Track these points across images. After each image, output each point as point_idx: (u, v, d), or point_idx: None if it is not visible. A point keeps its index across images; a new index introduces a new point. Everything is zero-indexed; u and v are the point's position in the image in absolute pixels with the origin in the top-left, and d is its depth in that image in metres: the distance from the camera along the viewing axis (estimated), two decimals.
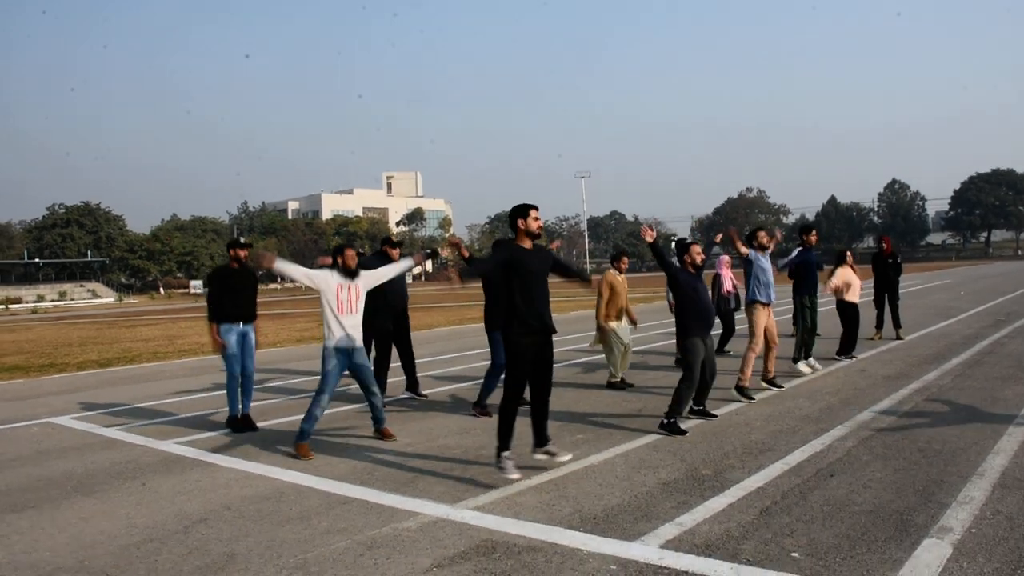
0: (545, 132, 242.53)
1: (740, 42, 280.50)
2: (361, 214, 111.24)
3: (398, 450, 6.95)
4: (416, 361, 9.95)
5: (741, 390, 8.67)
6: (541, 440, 6.16)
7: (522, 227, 6.06)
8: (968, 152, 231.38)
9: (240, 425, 8.12)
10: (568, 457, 6.16)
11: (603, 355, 10.59)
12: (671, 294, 10.29)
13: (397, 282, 9.41)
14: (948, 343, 12.78)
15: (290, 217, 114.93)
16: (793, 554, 4.14)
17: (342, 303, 7.03)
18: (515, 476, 5.79)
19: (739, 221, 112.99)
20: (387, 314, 9.38)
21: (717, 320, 9.92)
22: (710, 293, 12.78)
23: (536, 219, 6.07)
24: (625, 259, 10.29)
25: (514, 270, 5.91)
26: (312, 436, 7.01)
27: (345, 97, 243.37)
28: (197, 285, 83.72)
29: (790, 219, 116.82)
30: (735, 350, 12.20)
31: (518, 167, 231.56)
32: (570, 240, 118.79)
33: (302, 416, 7.11)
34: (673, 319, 7.91)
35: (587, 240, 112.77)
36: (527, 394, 6.10)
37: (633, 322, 10.19)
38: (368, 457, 6.75)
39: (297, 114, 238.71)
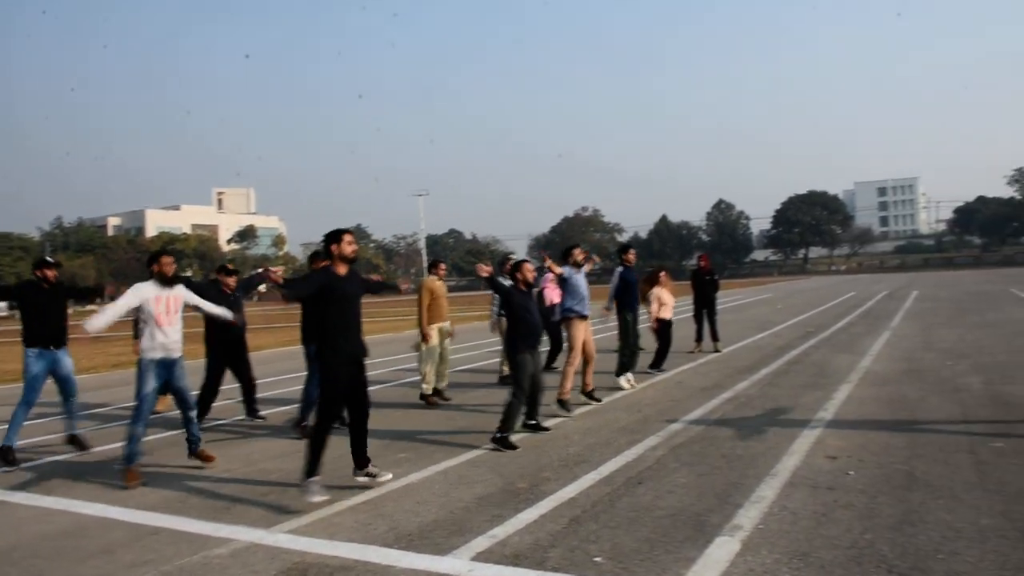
0: (383, 149, 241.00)
1: (576, 61, 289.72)
2: (189, 231, 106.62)
3: (214, 476, 6.81)
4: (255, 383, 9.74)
5: (562, 403, 9.01)
6: (361, 462, 6.23)
7: (336, 252, 6.13)
8: (787, 174, 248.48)
9: (11, 459, 7.67)
10: (389, 476, 6.23)
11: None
12: (497, 309, 10.60)
13: (233, 309, 9.24)
14: (761, 355, 13.72)
15: (110, 234, 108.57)
16: (596, 559, 4.39)
17: (160, 314, 6.83)
18: (318, 499, 5.80)
19: (575, 239, 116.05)
20: (225, 335, 9.16)
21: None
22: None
23: (350, 243, 6.15)
24: (442, 266, 10.60)
25: (329, 296, 5.98)
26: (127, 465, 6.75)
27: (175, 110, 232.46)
28: (2, 307, 77.33)
29: (624, 237, 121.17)
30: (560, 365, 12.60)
31: (355, 184, 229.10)
32: (407, 258, 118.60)
33: (116, 444, 6.84)
34: (495, 337, 8.14)
35: (425, 258, 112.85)
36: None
37: (450, 334, 10.40)
38: (181, 485, 6.58)
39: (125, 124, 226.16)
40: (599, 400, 9.54)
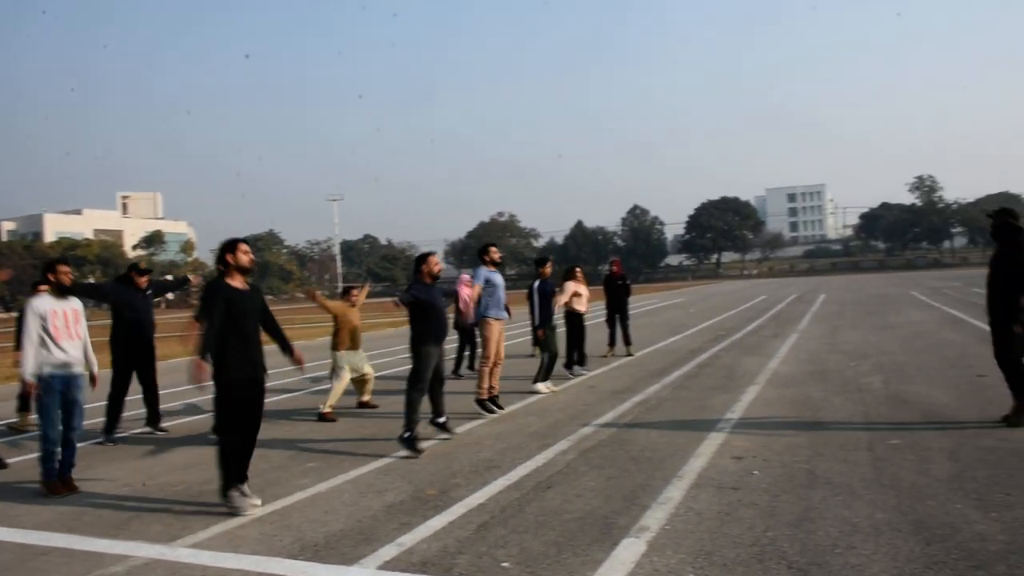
0: (301, 155, 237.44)
1: (492, 66, 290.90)
2: (92, 237, 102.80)
3: (112, 491, 6.60)
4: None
5: (481, 403, 9.06)
6: (240, 478, 6.07)
7: (231, 262, 5.98)
8: (701, 180, 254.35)
9: None
10: (258, 502, 5.93)
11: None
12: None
13: (143, 309, 9.04)
14: (673, 358, 14.00)
15: (4, 239, 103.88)
16: (504, 564, 4.42)
17: (57, 329, 6.59)
18: (249, 511, 5.71)
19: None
20: (132, 343, 8.89)
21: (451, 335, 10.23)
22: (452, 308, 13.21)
23: (246, 253, 6.02)
24: (355, 293, 10.48)
25: (226, 312, 5.83)
26: (16, 484, 6.50)
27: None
28: None
29: (540, 242, 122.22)
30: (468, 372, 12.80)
31: (270, 188, 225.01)
32: (322, 264, 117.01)
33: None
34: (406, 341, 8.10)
35: (339, 264, 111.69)
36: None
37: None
38: (77, 500, 6.37)
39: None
40: (501, 408, 9.50)
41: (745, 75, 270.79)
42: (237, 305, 5.87)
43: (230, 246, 6.01)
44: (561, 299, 12.22)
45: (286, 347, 6.35)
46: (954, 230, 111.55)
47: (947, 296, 29.46)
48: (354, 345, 10.03)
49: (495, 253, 9.70)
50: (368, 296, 11.48)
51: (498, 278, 9.59)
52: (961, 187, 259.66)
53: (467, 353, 13.46)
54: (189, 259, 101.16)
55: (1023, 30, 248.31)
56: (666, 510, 5.24)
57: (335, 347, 10.00)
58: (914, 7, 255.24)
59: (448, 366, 9.98)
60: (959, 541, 4.42)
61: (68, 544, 5.25)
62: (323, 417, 9.60)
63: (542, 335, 10.73)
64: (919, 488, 5.46)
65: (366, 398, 10.28)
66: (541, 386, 10.80)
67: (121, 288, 9.13)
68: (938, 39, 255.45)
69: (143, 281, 9.08)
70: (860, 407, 8.52)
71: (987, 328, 7.77)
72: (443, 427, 8.05)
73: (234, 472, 5.85)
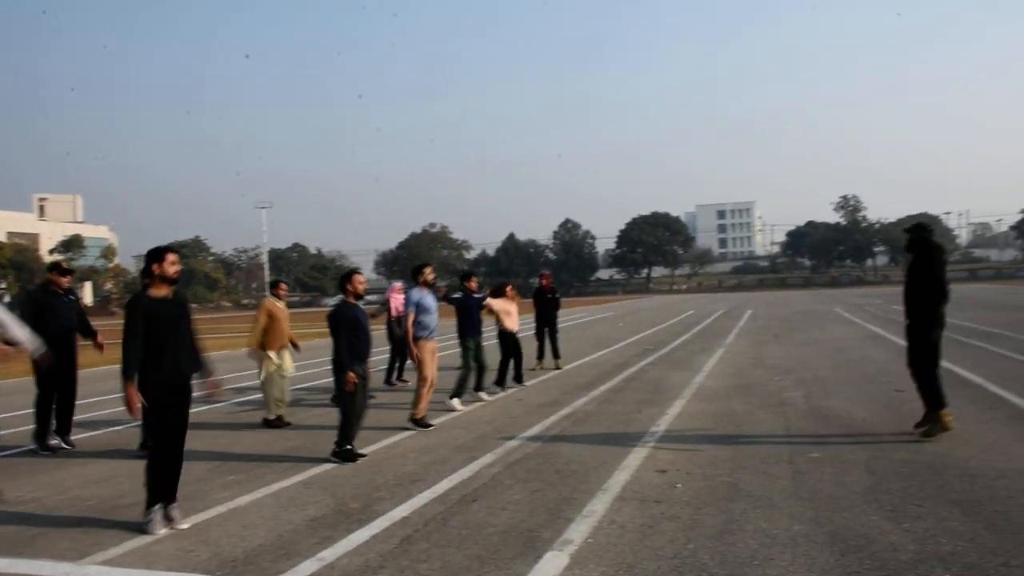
0: (229, 161, 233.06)
1: (417, 75, 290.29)
2: (4, 240, 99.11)
3: (17, 509, 6.37)
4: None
5: (416, 421, 9.10)
6: (171, 496, 5.93)
7: (157, 272, 5.85)
8: (633, 196, 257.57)
9: None
10: (186, 526, 5.78)
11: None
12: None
13: (65, 315, 8.77)
14: (601, 371, 14.14)
15: None
16: None
17: None
18: (161, 532, 5.57)
19: (422, 256, 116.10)
20: (55, 348, 8.57)
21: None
22: (383, 317, 13.18)
23: (173, 264, 5.89)
24: (283, 286, 10.41)
25: (147, 325, 5.70)
26: None
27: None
28: None
29: (472, 255, 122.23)
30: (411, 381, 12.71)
31: (196, 195, 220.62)
32: (249, 273, 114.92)
33: None
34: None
35: (267, 272, 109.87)
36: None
37: (296, 346, 10.29)
38: None
39: None
40: (431, 426, 9.42)
41: (678, 92, 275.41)
42: (159, 317, 5.74)
43: (157, 255, 5.87)
44: (491, 305, 12.23)
45: (201, 367, 6.15)
46: (877, 249, 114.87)
47: (869, 313, 30.35)
48: (281, 343, 9.95)
49: (429, 274, 9.68)
50: (294, 306, 11.38)
51: (430, 300, 9.59)
52: (884, 208, 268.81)
53: (398, 364, 13.44)
54: (110, 265, 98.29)
55: (948, 62, 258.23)
56: (589, 523, 5.30)
57: (262, 346, 9.85)
58: (843, 32, 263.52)
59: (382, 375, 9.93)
60: (872, 551, 4.57)
61: None
62: (269, 423, 9.63)
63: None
64: (836, 500, 5.62)
65: (274, 416, 10.03)
66: (456, 402, 10.70)
67: (40, 297, 8.80)
68: (864, 66, 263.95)
69: (65, 281, 8.82)
70: (782, 421, 8.73)
71: (904, 344, 8.05)
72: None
73: (159, 489, 5.70)
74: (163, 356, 5.72)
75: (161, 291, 5.84)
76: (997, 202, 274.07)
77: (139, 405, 5.59)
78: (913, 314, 7.75)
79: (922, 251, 7.71)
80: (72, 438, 8.97)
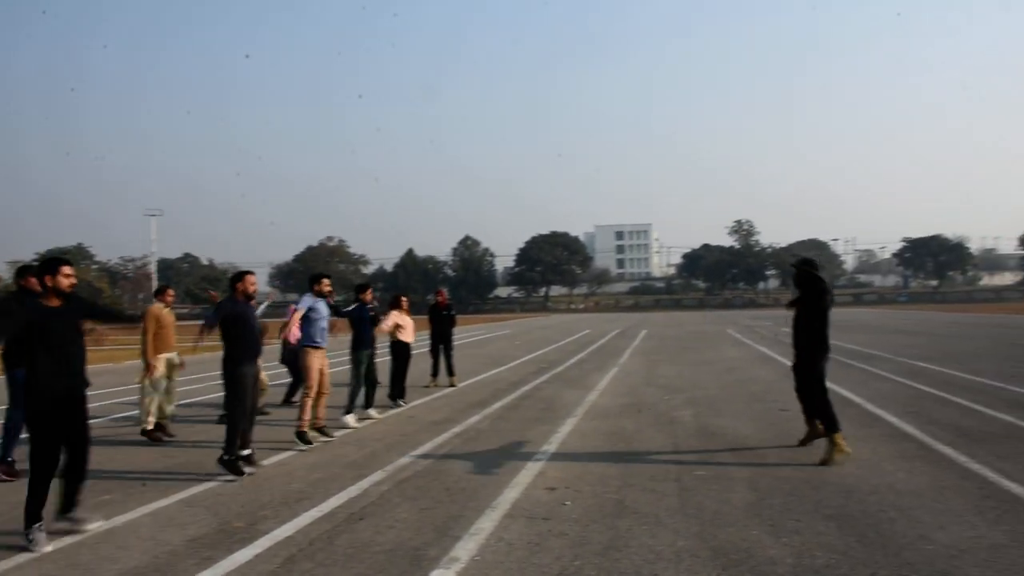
0: (111, 167, 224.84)
1: (307, 92, 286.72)
2: None
3: None
4: None
5: (301, 435, 8.89)
6: (69, 505, 5.77)
7: (50, 284, 5.76)
8: (533, 215, 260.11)
9: None
10: (98, 523, 5.80)
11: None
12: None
13: None
14: (495, 389, 14.19)
15: None
16: None
17: None
18: (46, 549, 5.39)
19: (319, 269, 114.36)
20: None
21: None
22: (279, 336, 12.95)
23: (68, 276, 5.81)
24: (170, 292, 10.18)
25: (35, 333, 5.55)
26: None
27: None
28: None
29: (369, 269, 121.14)
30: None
31: (84, 200, 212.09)
32: (136, 283, 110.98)
33: None
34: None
35: (155, 283, 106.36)
36: None
37: (179, 365, 10.00)
38: None
39: None
40: (330, 436, 9.43)
41: (576, 114, 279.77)
42: (49, 327, 5.65)
43: (51, 267, 5.82)
44: (383, 326, 12.17)
45: (126, 318, 6.27)
46: (768, 272, 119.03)
47: (759, 334, 31.36)
48: (167, 348, 9.71)
49: (326, 285, 9.56)
50: (183, 318, 11.12)
51: (323, 307, 9.46)
52: (776, 232, 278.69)
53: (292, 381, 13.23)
54: None
55: (840, 89, 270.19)
56: (477, 541, 5.31)
57: (151, 350, 9.55)
58: (739, 58, 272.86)
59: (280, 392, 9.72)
60: (752, 565, 4.72)
61: None
62: (149, 435, 9.30)
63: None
64: (720, 516, 5.79)
65: (166, 420, 9.80)
66: (350, 418, 10.59)
67: None
68: (759, 93, 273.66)
69: None
70: (671, 439, 8.93)
71: (790, 365, 8.39)
72: (248, 460, 7.82)
73: (42, 505, 5.55)
74: (57, 366, 5.66)
75: (54, 301, 5.75)
76: (881, 231, 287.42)
77: None
78: (800, 345, 8.10)
79: (808, 286, 8.07)
80: None
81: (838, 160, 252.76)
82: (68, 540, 5.59)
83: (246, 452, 7.83)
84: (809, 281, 8.08)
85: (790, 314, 8.27)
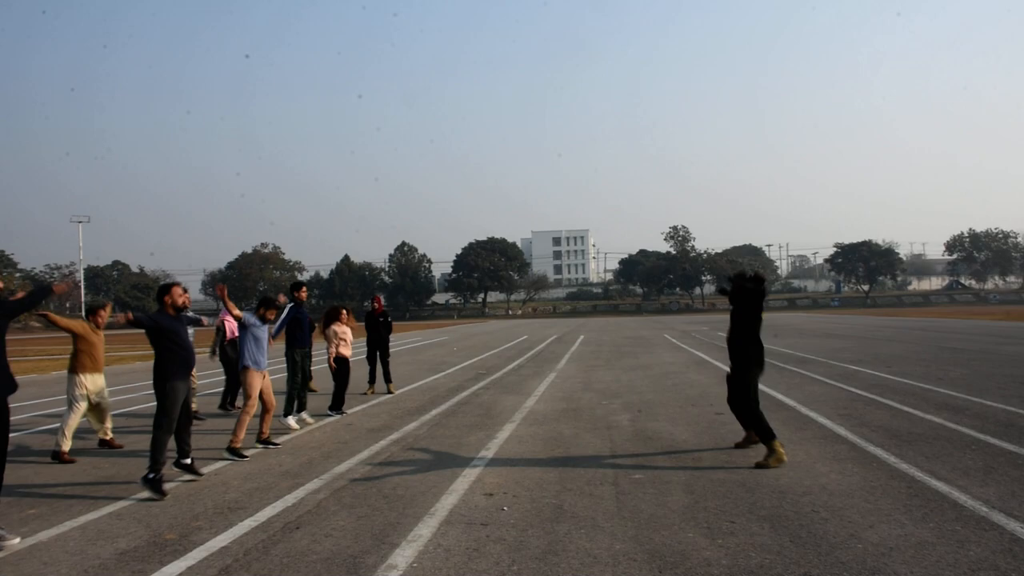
0: (34, 171, 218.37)
1: (271, 84, 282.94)
2: None
3: None
4: None
5: (233, 451, 8.73)
6: None
7: None
8: (470, 221, 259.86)
9: None
10: (16, 540, 5.65)
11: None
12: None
13: None
14: (433, 396, 14.16)
15: None
16: None
17: None
18: None
19: (253, 276, 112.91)
20: None
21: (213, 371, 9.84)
22: (214, 340, 12.78)
23: None
24: (102, 313, 9.86)
25: None
26: None
27: None
28: None
29: (305, 276, 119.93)
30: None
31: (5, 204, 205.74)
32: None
33: None
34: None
35: (84, 292, 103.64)
36: None
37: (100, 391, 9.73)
38: None
39: None
40: (277, 445, 9.35)
41: (521, 119, 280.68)
42: None
43: None
44: (330, 349, 12.14)
45: (42, 290, 6.32)
46: (704, 277, 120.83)
47: (695, 339, 31.80)
48: (96, 368, 9.42)
49: (270, 314, 9.50)
50: (111, 327, 10.87)
51: (262, 330, 9.36)
52: (711, 239, 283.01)
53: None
54: None
55: (775, 95, 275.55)
56: (415, 548, 5.30)
57: (74, 369, 9.32)
58: (676, 65, 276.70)
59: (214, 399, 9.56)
60: (688, 567, 4.80)
61: None
62: (60, 457, 8.89)
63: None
64: (656, 519, 5.86)
65: (108, 436, 9.62)
66: (291, 419, 10.56)
67: None
68: (696, 99, 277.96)
69: None
70: (608, 444, 9.01)
71: (726, 370, 8.55)
72: (189, 468, 7.69)
73: None
74: None
75: None
76: (813, 237, 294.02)
77: None
78: (735, 355, 8.26)
79: (741, 300, 8.23)
80: None
81: (772, 166, 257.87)
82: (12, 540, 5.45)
83: (187, 461, 7.71)
84: (741, 295, 8.24)
85: (726, 319, 8.43)
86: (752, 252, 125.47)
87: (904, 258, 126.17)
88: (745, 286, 8.24)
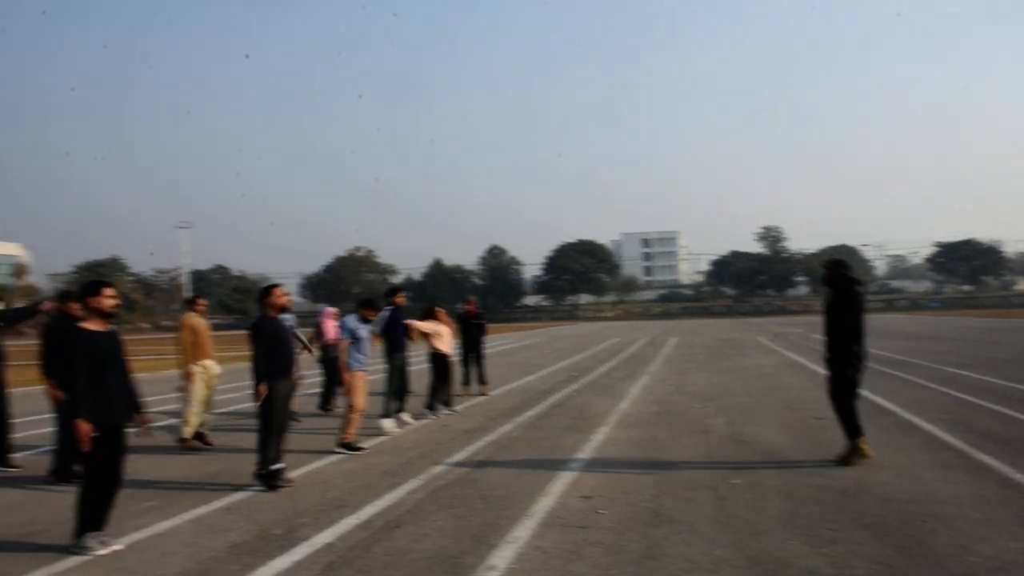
0: (124, 181, 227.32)
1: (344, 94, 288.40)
2: None
3: None
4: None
5: (346, 445, 9.13)
6: (102, 524, 5.85)
7: (93, 306, 5.93)
8: (560, 223, 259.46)
9: None
10: (120, 547, 5.84)
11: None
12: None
13: None
14: (526, 397, 14.22)
15: None
16: None
17: None
18: (103, 551, 5.54)
19: (348, 280, 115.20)
20: None
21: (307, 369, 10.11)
22: (315, 341, 13.10)
23: (110, 297, 5.98)
24: (201, 301, 10.32)
25: (88, 357, 5.72)
26: None
27: None
28: None
29: (398, 279, 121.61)
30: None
31: (112, 212, 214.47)
32: (169, 294, 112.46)
33: None
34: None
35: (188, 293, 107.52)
36: None
37: (215, 375, 10.12)
38: None
39: None
40: (361, 448, 9.51)
41: (610, 123, 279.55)
42: (99, 350, 5.77)
43: (93, 289, 5.92)
44: (418, 327, 12.26)
45: (134, 404, 6.13)
46: (797, 278, 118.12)
47: (789, 341, 31.14)
48: (207, 356, 9.91)
49: (371, 314, 9.88)
50: (217, 328, 11.29)
51: (364, 331, 9.71)
52: (804, 239, 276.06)
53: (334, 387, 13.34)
54: (21, 284, 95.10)
55: (867, 99, 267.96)
56: (513, 549, 5.34)
57: (191, 360, 9.76)
58: (772, 73, 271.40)
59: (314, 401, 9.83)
60: (790, 575, 4.71)
61: None
62: (184, 443, 9.43)
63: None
64: (756, 525, 5.77)
65: (205, 427, 9.97)
66: (388, 423, 10.75)
67: None
68: (787, 105, 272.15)
69: None
70: (704, 447, 8.91)
71: (824, 372, 8.32)
72: (273, 477, 7.91)
73: (92, 517, 5.68)
74: (105, 390, 5.76)
75: (95, 324, 5.86)
76: (912, 235, 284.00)
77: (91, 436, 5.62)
78: (833, 349, 8.01)
79: (840, 288, 7.99)
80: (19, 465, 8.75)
81: (867, 164, 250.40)
82: (114, 546, 5.68)
83: (278, 466, 7.92)
84: (840, 283, 7.99)
85: (820, 321, 8.19)
86: (847, 252, 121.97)
87: (1009, 256, 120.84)
88: (842, 274, 7.99)
